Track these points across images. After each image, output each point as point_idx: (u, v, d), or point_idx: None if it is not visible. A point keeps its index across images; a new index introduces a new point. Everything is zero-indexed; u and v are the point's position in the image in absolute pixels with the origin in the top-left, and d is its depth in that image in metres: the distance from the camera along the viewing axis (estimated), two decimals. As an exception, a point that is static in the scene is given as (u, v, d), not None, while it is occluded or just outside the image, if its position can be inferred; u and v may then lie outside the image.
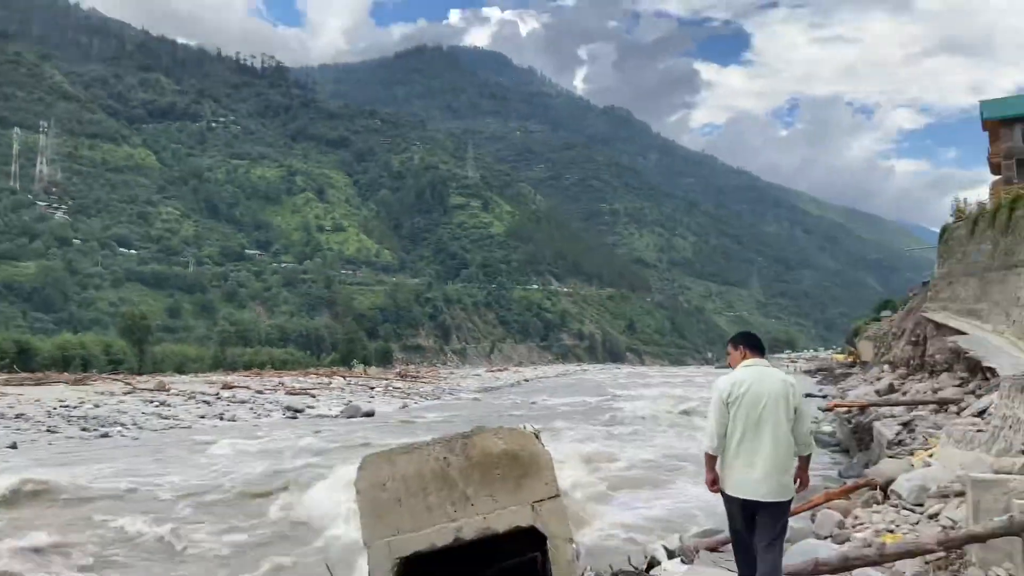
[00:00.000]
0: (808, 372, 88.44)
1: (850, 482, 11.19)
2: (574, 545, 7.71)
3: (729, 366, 4.93)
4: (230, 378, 58.44)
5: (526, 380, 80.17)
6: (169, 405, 34.88)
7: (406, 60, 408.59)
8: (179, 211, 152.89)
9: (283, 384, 53.16)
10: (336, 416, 33.36)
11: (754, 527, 4.63)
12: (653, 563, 5.73)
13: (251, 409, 35.30)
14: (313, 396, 43.93)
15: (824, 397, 39.26)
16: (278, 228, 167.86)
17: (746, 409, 4.61)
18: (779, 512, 4.64)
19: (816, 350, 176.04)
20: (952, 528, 8.17)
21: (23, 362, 57.15)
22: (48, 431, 24.64)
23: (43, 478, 13.69)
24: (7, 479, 13.40)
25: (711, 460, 4.73)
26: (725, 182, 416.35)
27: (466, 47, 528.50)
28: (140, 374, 60.77)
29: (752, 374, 4.73)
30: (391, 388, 55.04)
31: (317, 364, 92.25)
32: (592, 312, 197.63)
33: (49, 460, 17.97)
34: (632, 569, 5.35)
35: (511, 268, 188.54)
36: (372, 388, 53.75)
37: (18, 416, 27.36)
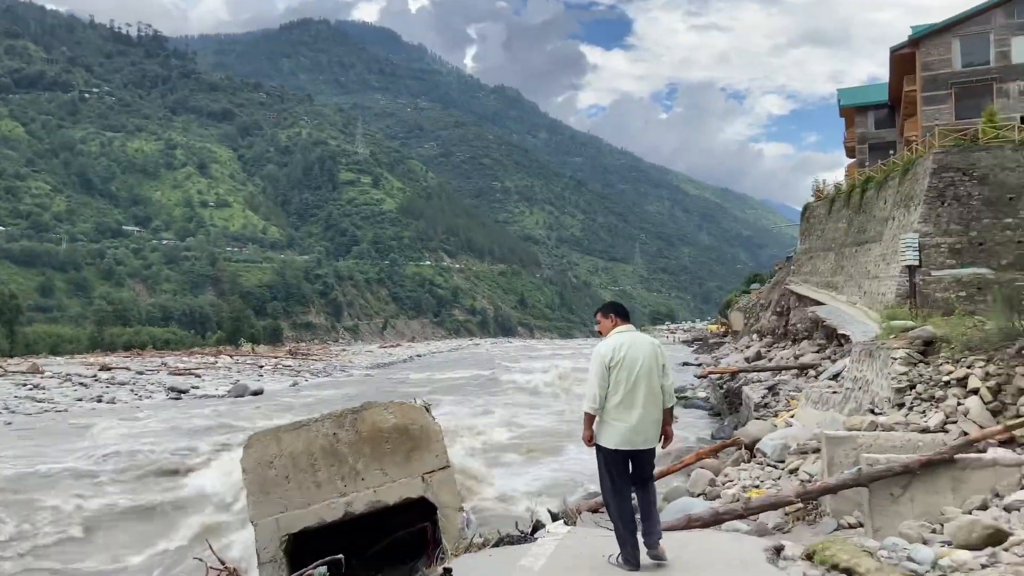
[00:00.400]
0: (685, 342, 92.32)
1: (719, 442, 11.80)
2: (464, 514, 7.84)
3: (600, 333, 5.25)
4: (109, 359, 55.54)
5: (419, 355, 79.83)
6: (43, 388, 32.81)
7: (291, 32, 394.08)
8: (50, 185, 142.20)
9: (166, 364, 50.92)
10: (223, 396, 32.24)
11: (629, 475, 5.00)
12: (538, 526, 5.92)
13: (132, 391, 33.64)
14: (198, 376, 42.35)
15: (699, 365, 41.16)
16: (158, 203, 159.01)
17: (626, 371, 4.94)
18: (651, 456, 5.08)
19: (693, 321, 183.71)
20: (809, 481, 8.81)
21: None
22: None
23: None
24: None
25: (591, 419, 4.97)
26: (610, 162, 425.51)
27: (354, 22, 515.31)
28: (11, 356, 56.72)
29: (627, 339, 5.07)
30: (281, 366, 53.66)
31: (202, 343, 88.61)
32: (484, 288, 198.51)
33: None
34: (518, 533, 5.51)
35: (403, 245, 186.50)
36: (261, 367, 52.25)
37: None
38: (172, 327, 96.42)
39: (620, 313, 5.28)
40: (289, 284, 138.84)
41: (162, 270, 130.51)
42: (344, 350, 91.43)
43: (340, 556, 5.97)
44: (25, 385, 33.51)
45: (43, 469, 13.65)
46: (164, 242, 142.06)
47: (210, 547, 5.68)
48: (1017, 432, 7.76)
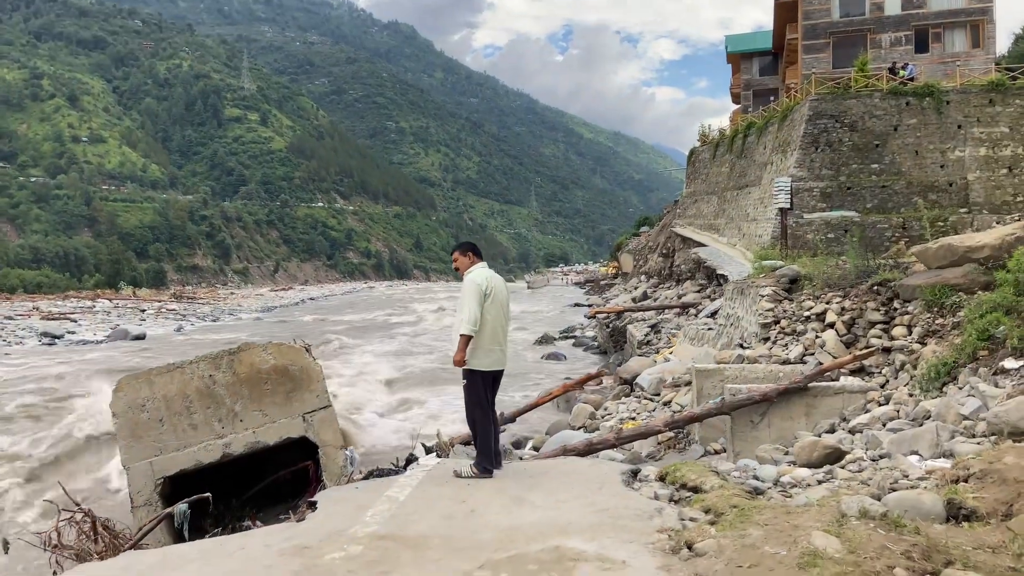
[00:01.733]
0: (578, 284, 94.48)
1: (584, 375, 12.20)
2: (347, 452, 7.82)
3: (456, 270, 5.68)
4: (-29, 305, 51.68)
5: (311, 299, 78.25)
6: None
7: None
8: None
9: (38, 309, 47.86)
10: (101, 341, 30.72)
11: (489, 393, 5.57)
12: (411, 459, 5.98)
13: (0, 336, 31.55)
14: (74, 321, 40.07)
15: (589, 306, 42.26)
16: (24, 137, 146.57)
17: (494, 301, 5.47)
18: (501, 375, 5.73)
19: (586, 263, 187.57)
20: (679, 412, 9.25)
21: None
22: None
23: None
24: None
25: (467, 341, 5.33)
26: (507, 104, 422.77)
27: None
28: None
29: (489, 273, 5.61)
30: (164, 310, 51.47)
31: (78, 287, 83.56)
32: (379, 230, 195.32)
33: None
34: (391, 467, 5.54)
35: (294, 185, 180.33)
36: (143, 311, 49.94)
37: None
38: (44, 270, 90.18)
39: (476, 252, 5.76)
40: (173, 225, 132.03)
41: (31, 209, 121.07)
42: (233, 294, 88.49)
43: (208, 495, 5.85)
44: None
45: None
46: (33, 179, 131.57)
47: (63, 489, 5.43)
48: (866, 361, 8.37)
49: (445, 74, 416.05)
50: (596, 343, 25.83)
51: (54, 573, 4.88)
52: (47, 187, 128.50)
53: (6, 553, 5.09)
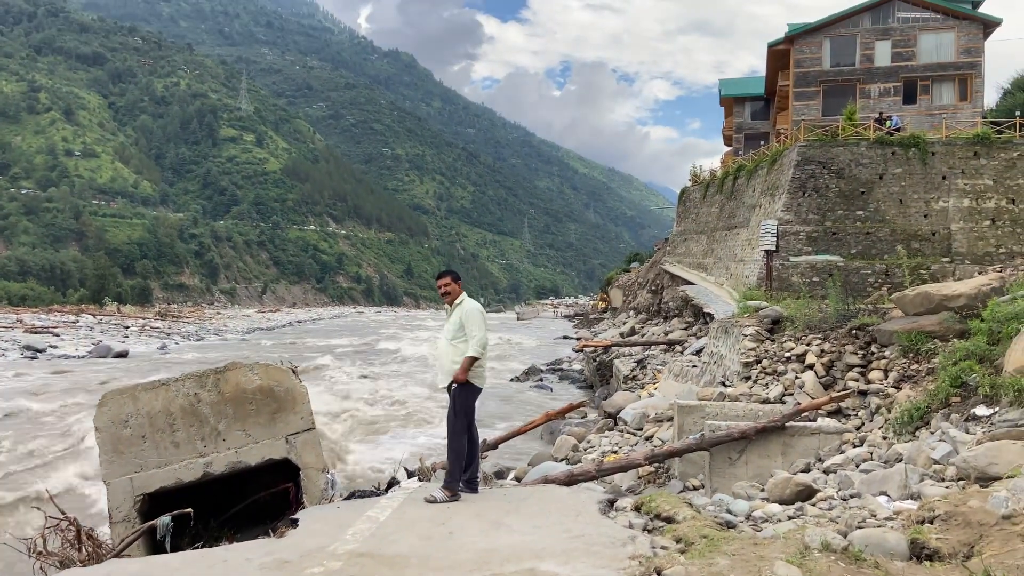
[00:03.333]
0: (567, 316, 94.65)
1: (565, 404, 12.32)
2: (328, 475, 7.88)
3: (445, 295, 6.09)
4: (-46, 315, 51.39)
5: (299, 321, 78.11)
6: None
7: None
8: None
9: (21, 321, 47.58)
10: (84, 356, 30.58)
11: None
12: (393, 483, 6.07)
13: (-20, 348, 31.36)
14: (56, 335, 39.88)
15: (577, 339, 42.42)
16: (18, 149, 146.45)
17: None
18: None
19: (576, 297, 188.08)
20: (660, 447, 9.37)
21: None
22: None
23: None
24: None
25: (473, 362, 5.75)
26: (503, 135, 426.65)
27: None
28: None
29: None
30: (149, 328, 51.29)
31: (63, 301, 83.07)
32: (370, 255, 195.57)
33: None
34: (373, 489, 5.63)
35: (286, 207, 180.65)
36: (127, 327, 49.74)
37: None
38: (30, 282, 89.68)
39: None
40: (161, 242, 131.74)
41: (20, 221, 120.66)
42: (219, 313, 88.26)
43: (189, 510, 5.91)
44: None
45: None
46: (24, 191, 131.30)
47: (50, 497, 5.49)
48: (843, 403, 8.55)
49: (443, 104, 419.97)
50: (582, 376, 25.94)
51: (37, 580, 4.93)
52: (37, 200, 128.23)
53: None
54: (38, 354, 30.75)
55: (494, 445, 9.52)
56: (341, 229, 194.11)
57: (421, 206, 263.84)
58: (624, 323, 37.58)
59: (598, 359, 24.76)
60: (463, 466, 5.68)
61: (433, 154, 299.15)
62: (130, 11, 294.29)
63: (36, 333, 39.88)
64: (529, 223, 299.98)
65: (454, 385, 5.78)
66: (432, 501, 5.39)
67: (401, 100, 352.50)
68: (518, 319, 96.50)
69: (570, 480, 7.42)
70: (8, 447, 11.31)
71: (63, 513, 5.33)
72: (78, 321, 52.82)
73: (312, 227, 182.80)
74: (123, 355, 31.99)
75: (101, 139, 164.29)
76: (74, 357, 30.55)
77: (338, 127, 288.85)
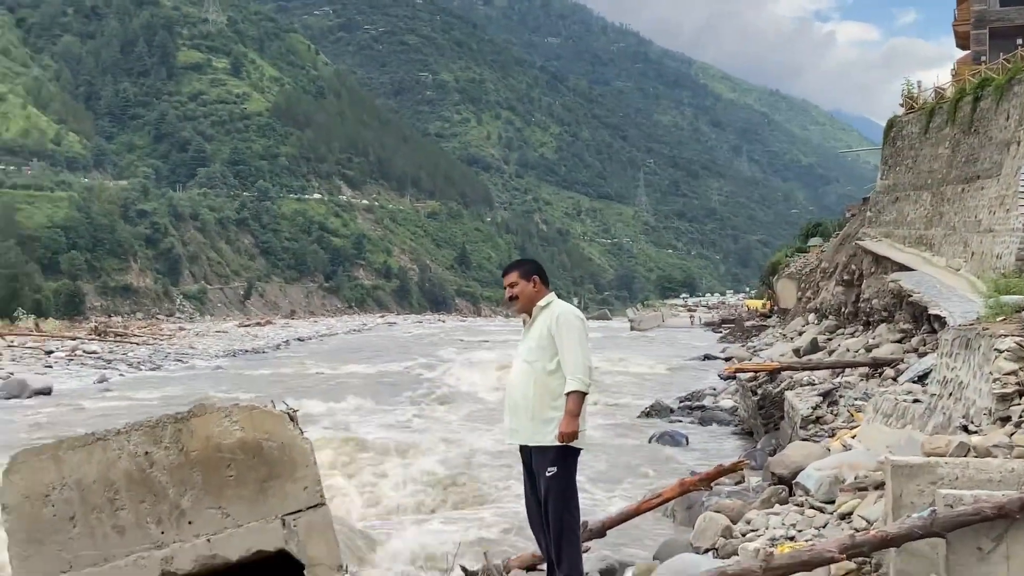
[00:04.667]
0: (710, 324, 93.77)
1: (714, 467, 12.12)
2: (347, 574, 7.96)
3: (512, 299, 6.19)
4: None
5: (299, 339, 79.72)
6: None
7: None
8: None
9: None
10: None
11: None
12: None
13: None
14: (-55, 367, 42.00)
15: (727, 360, 41.91)
16: None
17: None
18: None
19: (723, 293, 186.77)
20: (864, 530, 9.12)
21: None
22: None
23: None
24: None
25: (582, 400, 5.77)
26: (604, 46, 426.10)
27: None
28: None
29: None
30: (82, 352, 53.35)
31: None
32: (404, 236, 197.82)
33: None
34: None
35: (278, 167, 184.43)
36: (50, 353, 51.90)
37: None
38: None
39: (545, 277, 6.39)
40: (97, 225, 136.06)
41: None
42: (183, 329, 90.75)
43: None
44: None
45: None
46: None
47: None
48: None
49: (510, 1, 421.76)
50: (735, 418, 25.66)
51: None
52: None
53: None
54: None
55: (601, 532, 9.45)
56: (360, 197, 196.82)
57: (479, 159, 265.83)
58: (800, 333, 37.08)
59: (760, 391, 24.43)
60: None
61: (496, 78, 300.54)
62: None
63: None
64: (647, 181, 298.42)
65: (545, 443, 5.77)
66: None
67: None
68: (632, 329, 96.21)
69: (723, 585, 7.31)
70: None
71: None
72: (-21, 344, 55.28)
73: (316, 195, 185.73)
74: (45, 392, 33.23)
75: (7, 74, 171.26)
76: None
77: (352, 43, 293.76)
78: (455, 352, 55.78)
